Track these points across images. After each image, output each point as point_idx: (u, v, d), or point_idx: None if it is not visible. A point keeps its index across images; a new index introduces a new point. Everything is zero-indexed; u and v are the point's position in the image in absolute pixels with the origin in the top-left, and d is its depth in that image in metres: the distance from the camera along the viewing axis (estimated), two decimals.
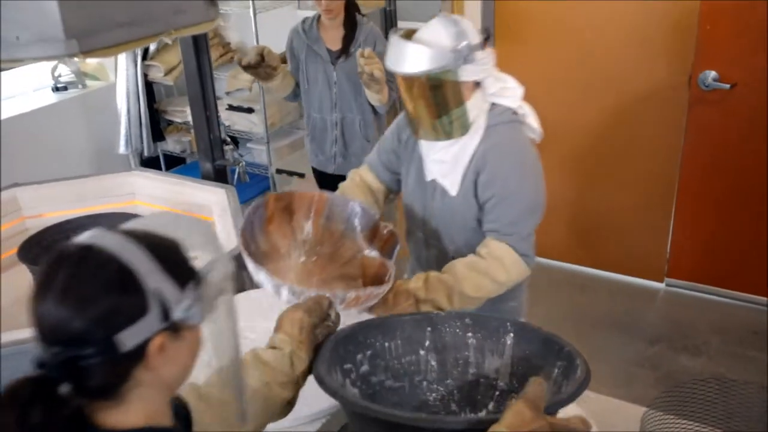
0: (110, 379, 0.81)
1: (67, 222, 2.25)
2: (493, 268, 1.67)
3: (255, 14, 3.39)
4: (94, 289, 0.79)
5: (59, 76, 3.96)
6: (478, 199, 1.76)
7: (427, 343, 1.30)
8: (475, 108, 1.68)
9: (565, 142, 3.46)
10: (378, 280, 1.64)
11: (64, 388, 0.79)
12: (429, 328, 1.31)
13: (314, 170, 3.15)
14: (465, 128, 1.69)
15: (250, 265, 1.46)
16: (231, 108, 3.83)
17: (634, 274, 3.56)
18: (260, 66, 2.75)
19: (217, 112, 2.66)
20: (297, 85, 2.98)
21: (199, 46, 2.51)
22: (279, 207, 1.70)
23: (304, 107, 3.04)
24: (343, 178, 2.05)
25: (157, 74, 3.96)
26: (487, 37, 1.66)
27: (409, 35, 1.64)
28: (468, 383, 1.29)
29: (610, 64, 3.26)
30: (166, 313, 0.81)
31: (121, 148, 4.01)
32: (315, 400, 1.53)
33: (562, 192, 3.52)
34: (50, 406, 0.78)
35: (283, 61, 2.97)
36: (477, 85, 1.67)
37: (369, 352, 1.25)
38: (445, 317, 1.31)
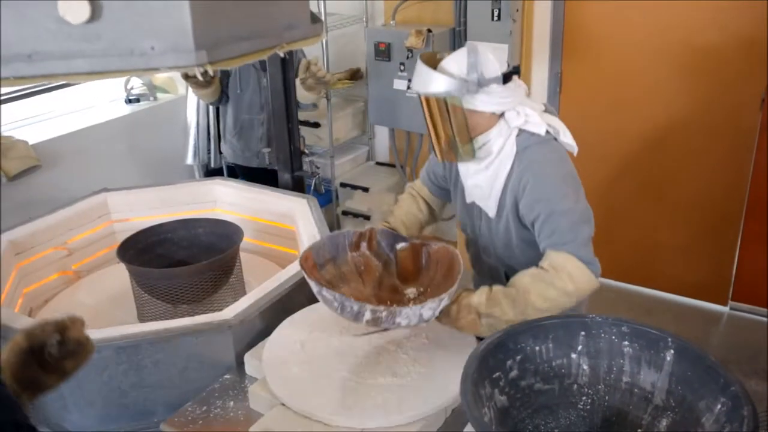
0: None
1: (160, 225, 2.35)
2: (558, 277, 1.67)
3: (327, 32, 3.50)
4: None
5: (131, 88, 4.11)
6: (523, 220, 1.80)
7: (580, 347, 1.32)
8: (499, 137, 1.75)
9: (629, 159, 3.49)
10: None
11: None
12: (583, 333, 1.33)
13: (238, 167, 3.53)
14: (471, 154, 1.77)
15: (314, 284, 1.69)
16: (299, 122, 3.93)
17: (697, 296, 3.54)
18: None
19: (298, 124, 2.76)
20: (222, 95, 3.34)
21: (285, 61, 2.62)
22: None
23: (232, 110, 3.38)
24: (266, 171, 2.74)
25: None
26: (514, 72, 1.74)
27: (432, 59, 1.76)
28: (620, 391, 1.30)
29: (682, 81, 3.29)
30: None
31: (189, 159, 4.14)
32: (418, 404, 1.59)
33: (626, 210, 3.54)
34: None
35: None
36: (499, 116, 1.75)
37: (519, 357, 1.28)
38: (601, 323, 1.33)
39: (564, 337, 1.34)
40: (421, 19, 3.70)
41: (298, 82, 3.06)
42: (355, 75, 3.94)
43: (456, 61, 1.71)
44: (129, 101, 4.09)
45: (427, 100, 1.74)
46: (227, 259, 2.18)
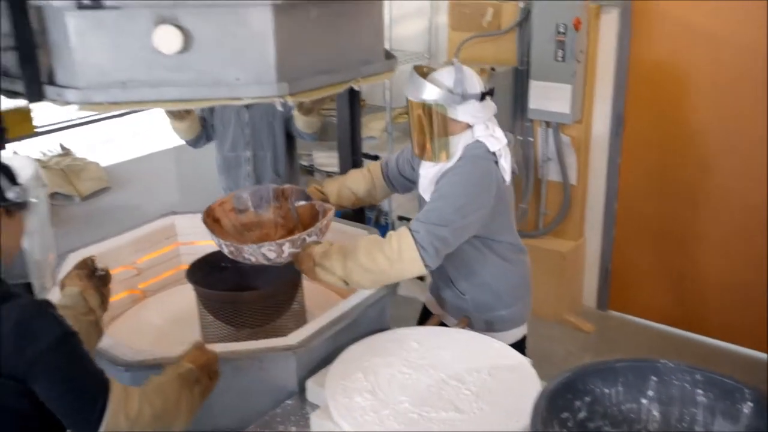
0: None
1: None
2: (389, 245, 1.92)
3: None
4: None
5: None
6: None
7: (651, 392, 1.31)
8: (461, 143, 2.02)
9: (694, 201, 3.44)
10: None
11: None
12: (654, 378, 1.32)
13: None
14: (447, 155, 2.04)
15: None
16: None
17: (737, 342, 3.46)
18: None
19: (361, 156, 2.81)
20: (201, 134, 3.16)
21: (353, 96, 2.68)
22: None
23: (217, 148, 3.23)
24: None
25: None
26: (489, 93, 2.05)
27: (422, 71, 2.05)
28: None
29: (753, 119, 3.24)
30: (3, 196, 1.31)
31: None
32: None
33: (665, 253, 3.50)
34: None
35: None
36: (469, 126, 2.02)
37: (588, 399, 1.27)
38: (673, 369, 1.31)
39: (634, 381, 1.32)
40: (483, 57, 3.74)
41: (295, 111, 3.00)
42: None
43: (444, 76, 2.01)
44: None
45: (415, 104, 2.04)
46: (291, 285, 2.21)
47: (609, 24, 3.48)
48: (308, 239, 1.99)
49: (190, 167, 4.01)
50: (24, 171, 1.42)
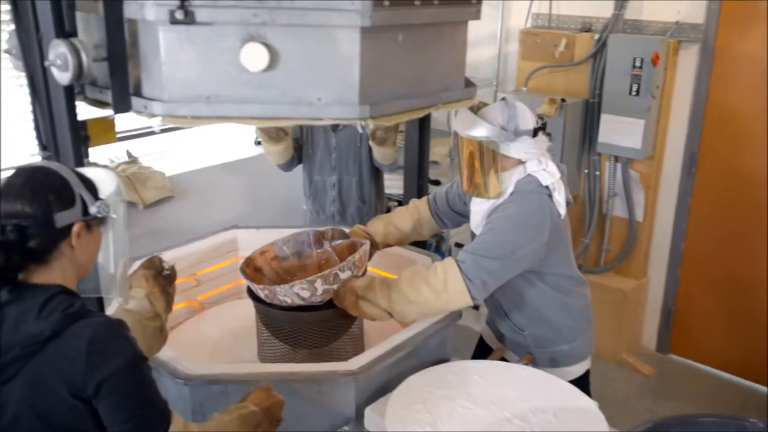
0: (44, 246, 1.26)
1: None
2: (435, 277, 1.90)
3: None
4: (42, 188, 1.26)
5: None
6: None
7: None
8: (512, 178, 1.99)
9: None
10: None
11: (15, 249, 1.22)
12: None
13: None
14: (498, 191, 2.00)
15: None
16: None
17: None
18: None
19: (428, 181, 2.78)
20: (293, 156, 3.17)
21: (424, 120, 2.65)
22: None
23: (305, 171, 3.25)
24: None
25: None
26: (542, 129, 1.99)
27: (476, 109, 2.00)
28: None
29: None
30: (85, 211, 1.29)
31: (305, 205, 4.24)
32: None
33: (731, 299, 3.35)
34: (6, 259, 1.21)
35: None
36: (521, 162, 1.99)
37: None
38: (763, 430, 1.25)
39: None
40: (553, 87, 3.69)
41: (370, 141, 3.00)
42: None
43: (496, 112, 1.97)
44: (257, 143, 4.26)
45: (466, 140, 1.99)
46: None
47: (687, 60, 3.40)
48: (341, 274, 1.94)
49: (252, 181, 4.05)
50: (106, 184, 1.37)
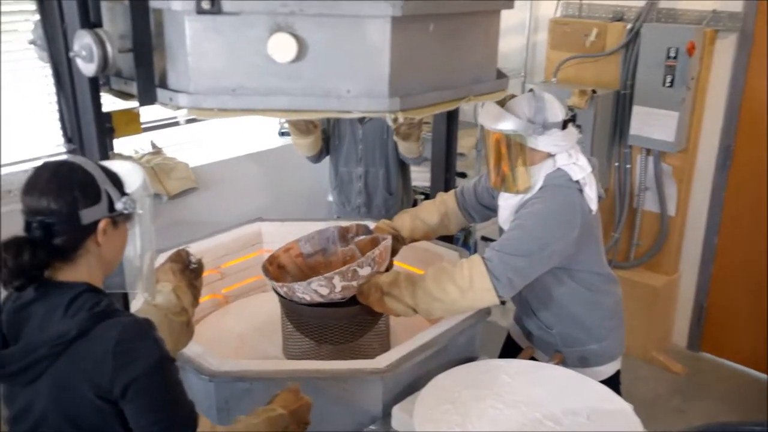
0: (70, 243, 1.24)
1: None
2: (461, 275, 1.85)
3: None
4: (67, 184, 1.23)
5: (284, 122, 4.26)
6: None
7: None
8: (541, 172, 1.93)
9: None
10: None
11: (41, 246, 1.20)
12: None
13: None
14: (527, 186, 1.94)
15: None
16: None
17: None
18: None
19: (455, 174, 2.72)
20: (322, 148, 3.16)
21: (451, 113, 2.60)
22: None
23: (331, 163, 3.24)
24: None
25: None
26: (571, 120, 1.93)
27: (504, 101, 1.94)
28: None
29: None
30: (111, 207, 1.27)
31: (331, 196, 4.21)
32: None
33: (766, 295, 3.25)
34: (32, 256, 1.19)
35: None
36: (550, 155, 1.93)
37: None
38: None
39: None
40: (582, 79, 3.61)
41: (395, 137, 2.97)
42: None
43: (524, 104, 1.91)
44: (281, 134, 4.23)
45: (492, 134, 1.94)
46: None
47: (724, 51, 3.29)
48: (359, 270, 1.90)
49: (276, 172, 4.02)
50: (132, 178, 1.34)
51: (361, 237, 2.22)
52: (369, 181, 3.17)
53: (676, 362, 3.61)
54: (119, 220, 1.30)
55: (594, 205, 1.96)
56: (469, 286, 1.84)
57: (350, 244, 2.23)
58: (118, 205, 1.28)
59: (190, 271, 1.69)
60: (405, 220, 2.30)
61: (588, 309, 2.08)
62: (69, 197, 1.22)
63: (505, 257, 1.85)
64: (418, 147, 3.02)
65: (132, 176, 1.35)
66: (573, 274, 2.03)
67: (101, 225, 1.26)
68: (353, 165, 3.16)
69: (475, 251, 3.83)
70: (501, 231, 2.10)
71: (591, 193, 1.94)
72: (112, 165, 1.36)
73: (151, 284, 1.48)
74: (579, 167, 1.94)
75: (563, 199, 1.92)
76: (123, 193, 1.31)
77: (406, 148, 3.02)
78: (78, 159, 1.30)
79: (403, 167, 3.20)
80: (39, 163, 1.29)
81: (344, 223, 2.29)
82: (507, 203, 2.06)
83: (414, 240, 2.32)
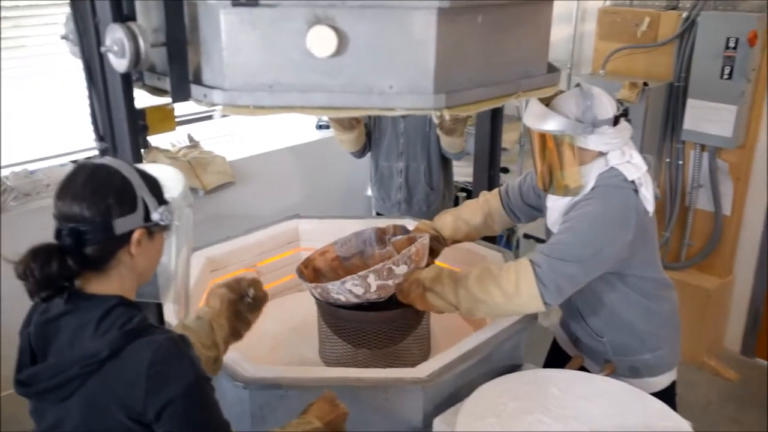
0: (102, 253, 1.16)
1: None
2: (507, 278, 1.77)
3: None
4: (102, 189, 1.15)
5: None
6: None
7: None
8: (593, 171, 1.83)
9: None
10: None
11: (69, 259, 1.12)
12: None
13: (380, 215, 3.28)
14: (577, 187, 1.84)
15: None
16: None
17: None
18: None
19: (499, 171, 2.62)
20: (366, 143, 3.10)
21: (496, 108, 2.49)
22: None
23: (372, 157, 3.17)
24: None
25: None
26: (623, 116, 1.82)
27: (549, 99, 1.83)
28: None
29: None
30: (147, 216, 1.19)
31: (370, 191, 4.13)
32: None
33: None
34: (61, 265, 1.12)
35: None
36: (602, 154, 1.82)
37: None
38: None
39: None
40: (633, 70, 3.45)
41: (438, 131, 2.91)
42: None
43: (571, 102, 1.80)
44: (319, 127, 4.17)
45: (537, 134, 1.84)
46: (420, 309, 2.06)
47: None
48: (395, 269, 1.82)
49: (314, 166, 3.97)
50: (172, 184, 1.27)
51: (398, 237, 2.15)
52: (410, 176, 3.10)
53: (728, 368, 3.46)
54: (155, 230, 1.23)
55: (651, 207, 1.84)
56: (514, 291, 1.76)
57: (387, 245, 2.15)
58: (155, 216, 1.20)
59: (244, 304, 1.60)
60: (446, 221, 2.21)
61: (642, 316, 1.97)
62: (103, 204, 1.15)
63: (554, 263, 1.75)
64: (462, 142, 2.95)
65: (172, 181, 1.28)
66: (626, 279, 1.91)
67: (135, 235, 1.19)
68: (394, 159, 3.09)
69: (518, 249, 3.72)
70: (549, 233, 1.99)
71: (647, 194, 1.83)
72: (153, 168, 1.29)
73: (184, 297, 1.40)
74: (633, 166, 1.83)
75: (617, 200, 1.81)
76: (161, 202, 1.23)
77: (449, 143, 2.95)
78: (115, 162, 1.22)
79: (445, 162, 3.12)
80: (74, 158, 1.22)
81: (381, 225, 2.21)
82: (556, 204, 1.96)
83: (456, 241, 2.24)
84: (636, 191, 1.82)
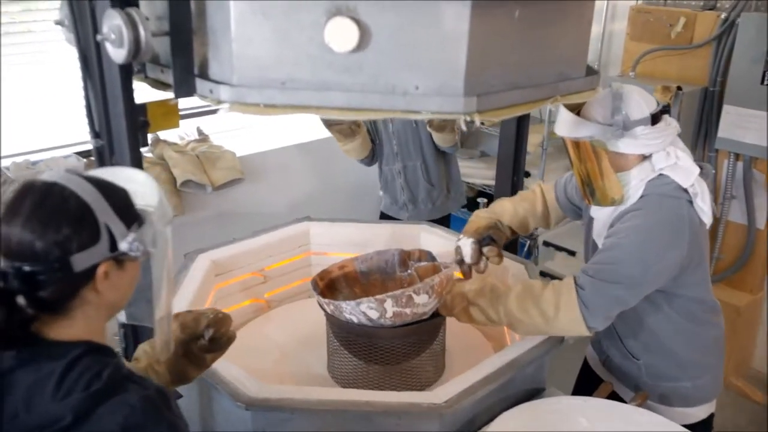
0: (61, 294, 0.98)
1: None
2: (547, 300, 1.67)
3: None
4: (56, 218, 0.96)
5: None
6: None
7: None
8: (637, 178, 1.69)
9: None
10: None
11: (21, 299, 0.95)
12: None
13: (389, 218, 3.26)
14: (620, 195, 1.70)
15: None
16: None
17: None
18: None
19: (523, 175, 2.47)
20: (372, 150, 3.07)
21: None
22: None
23: (378, 164, 3.17)
24: None
25: None
26: (664, 111, 1.69)
27: (580, 106, 1.73)
28: None
29: None
30: (113, 245, 1.00)
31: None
32: None
33: None
34: (9, 312, 0.94)
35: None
36: (645, 158, 1.69)
37: None
38: None
39: None
40: (665, 73, 3.29)
41: (429, 128, 2.89)
42: None
43: (599, 106, 1.69)
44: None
45: (570, 142, 1.73)
46: (435, 324, 1.93)
47: None
48: (415, 297, 1.69)
49: (325, 164, 3.84)
50: (146, 196, 1.07)
51: (422, 263, 2.05)
52: (408, 175, 3.09)
53: (757, 390, 3.30)
54: (125, 259, 1.03)
55: (708, 219, 1.70)
56: (554, 314, 1.66)
57: (410, 269, 2.06)
58: (122, 246, 1.01)
59: (198, 347, 1.36)
60: (506, 206, 2.09)
61: (685, 342, 1.82)
62: (58, 236, 0.96)
63: (599, 285, 1.62)
64: (454, 136, 2.92)
65: (146, 193, 1.07)
66: (672, 300, 1.76)
67: (101, 270, 1.00)
68: (392, 162, 3.10)
69: (537, 257, 3.57)
70: (595, 247, 1.85)
71: (704, 205, 1.69)
72: (122, 174, 1.10)
73: (167, 342, 1.21)
74: (683, 170, 1.68)
75: (669, 211, 1.67)
76: (132, 221, 1.03)
77: (440, 138, 2.93)
78: (72, 181, 1.01)
79: (443, 156, 3.10)
80: (78, 149, 1.05)
81: (407, 248, 2.11)
82: (600, 213, 1.83)
83: (513, 235, 2.11)
84: (690, 201, 1.67)
